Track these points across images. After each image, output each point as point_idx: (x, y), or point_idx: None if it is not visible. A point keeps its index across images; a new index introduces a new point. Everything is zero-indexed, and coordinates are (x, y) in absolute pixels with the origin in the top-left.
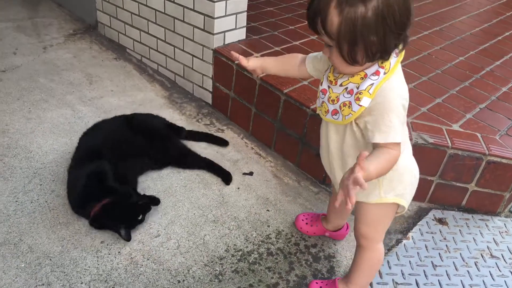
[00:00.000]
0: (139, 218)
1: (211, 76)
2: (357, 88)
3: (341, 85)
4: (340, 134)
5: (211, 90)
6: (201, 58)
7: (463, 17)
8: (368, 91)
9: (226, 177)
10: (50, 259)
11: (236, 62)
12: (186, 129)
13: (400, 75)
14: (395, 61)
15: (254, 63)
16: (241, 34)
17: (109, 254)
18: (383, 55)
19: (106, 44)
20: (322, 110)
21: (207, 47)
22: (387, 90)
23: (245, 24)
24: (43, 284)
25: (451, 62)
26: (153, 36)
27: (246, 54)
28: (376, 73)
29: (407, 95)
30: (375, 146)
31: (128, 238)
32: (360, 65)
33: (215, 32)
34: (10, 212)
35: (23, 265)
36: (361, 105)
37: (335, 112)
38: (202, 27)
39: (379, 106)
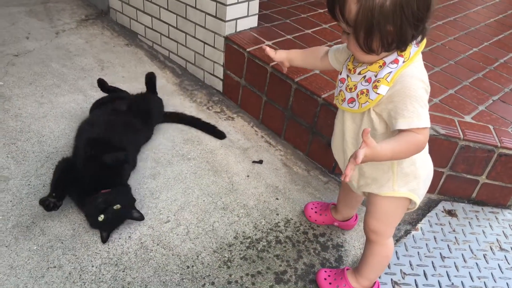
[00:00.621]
0: (101, 219)
1: (222, 64)
2: (375, 76)
3: (359, 73)
4: (356, 123)
5: (222, 77)
6: (213, 45)
7: (478, 7)
8: (386, 79)
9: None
10: (62, 242)
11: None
12: (196, 116)
13: (420, 63)
14: (415, 50)
15: (281, 55)
16: (253, 22)
17: (120, 238)
18: (399, 45)
19: (117, 30)
20: (339, 98)
21: (218, 34)
22: (405, 77)
23: (257, 12)
24: (54, 267)
25: (464, 53)
26: (165, 23)
27: (258, 42)
28: (395, 61)
29: (427, 80)
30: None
31: (103, 241)
32: (376, 54)
33: (227, 19)
34: (22, 195)
35: (35, 247)
36: (378, 93)
37: (351, 100)
38: (214, 14)
39: (399, 93)
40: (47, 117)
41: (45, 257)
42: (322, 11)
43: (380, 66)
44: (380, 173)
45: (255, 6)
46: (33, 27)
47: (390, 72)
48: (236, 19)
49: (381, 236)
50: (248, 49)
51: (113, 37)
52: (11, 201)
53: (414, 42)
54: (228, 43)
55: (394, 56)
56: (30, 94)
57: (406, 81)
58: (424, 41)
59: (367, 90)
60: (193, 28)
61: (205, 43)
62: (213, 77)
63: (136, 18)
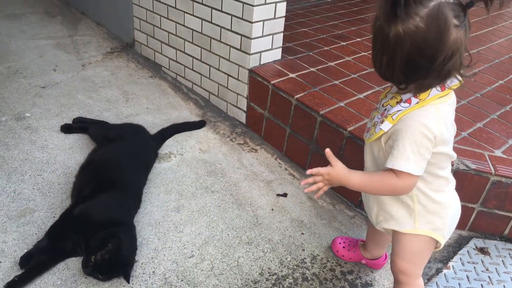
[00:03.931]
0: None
1: (246, 96)
2: (387, 111)
3: (383, 105)
4: (374, 153)
5: (245, 109)
6: (237, 77)
7: (501, 39)
8: (392, 116)
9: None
10: (86, 277)
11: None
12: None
13: (434, 109)
14: (435, 94)
15: None
16: (276, 55)
17: (144, 273)
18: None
19: (142, 62)
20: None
21: (243, 67)
22: (409, 118)
23: (281, 45)
24: None
25: (490, 85)
26: (189, 55)
27: (282, 75)
28: (408, 101)
29: (436, 128)
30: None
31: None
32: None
33: (251, 52)
34: (47, 227)
35: (59, 281)
36: (381, 128)
37: (367, 130)
38: (239, 47)
39: (398, 132)
40: (73, 149)
41: None
42: (344, 43)
43: (397, 102)
44: (398, 209)
45: (279, 39)
46: (60, 60)
47: (399, 110)
48: (261, 52)
49: (410, 277)
50: (272, 82)
51: (137, 69)
52: (35, 233)
53: (439, 86)
54: (252, 76)
55: (409, 95)
56: (57, 126)
57: (407, 123)
58: (451, 89)
59: (376, 123)
60: (217, 60)
61: (229, 75)
62: (236, 109)
63: (161, 50)
